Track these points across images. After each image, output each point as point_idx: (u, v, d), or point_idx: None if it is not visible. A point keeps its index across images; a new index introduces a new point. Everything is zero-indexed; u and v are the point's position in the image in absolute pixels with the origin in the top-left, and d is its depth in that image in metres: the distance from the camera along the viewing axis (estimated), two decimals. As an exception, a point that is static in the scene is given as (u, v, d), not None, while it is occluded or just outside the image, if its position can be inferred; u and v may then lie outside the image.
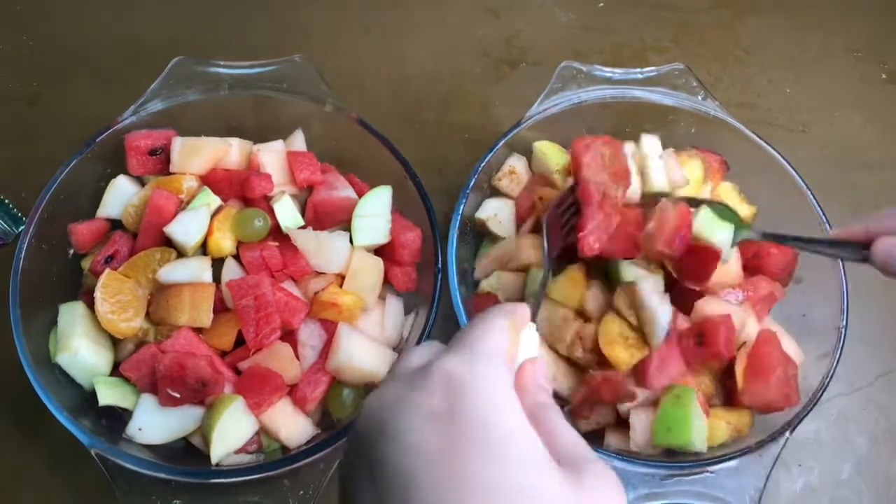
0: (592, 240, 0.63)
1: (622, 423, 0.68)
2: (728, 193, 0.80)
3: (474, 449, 0.32)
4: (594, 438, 0.69)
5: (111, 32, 0.97)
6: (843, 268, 0.73)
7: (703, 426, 0.65)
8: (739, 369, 0.68)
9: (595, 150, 0.64)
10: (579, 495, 0.33)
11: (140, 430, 0.64)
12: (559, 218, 0.66)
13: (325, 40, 0.99)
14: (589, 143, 0.65)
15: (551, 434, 0.36)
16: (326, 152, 0.78)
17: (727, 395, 0.70)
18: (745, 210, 0.79)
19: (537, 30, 1.02)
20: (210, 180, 0.73)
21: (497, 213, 0.77)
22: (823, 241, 0.60)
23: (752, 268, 0.74)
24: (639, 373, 0.66)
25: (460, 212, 0.73)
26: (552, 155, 0.78)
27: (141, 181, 0.75)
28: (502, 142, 0.76)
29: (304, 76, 0.78)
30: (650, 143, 0.77)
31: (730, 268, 0.72)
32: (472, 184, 0.74)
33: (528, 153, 0.81)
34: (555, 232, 0.66)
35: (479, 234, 0.79)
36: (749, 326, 0.70)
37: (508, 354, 0.39)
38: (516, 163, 0.79)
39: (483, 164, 0.75)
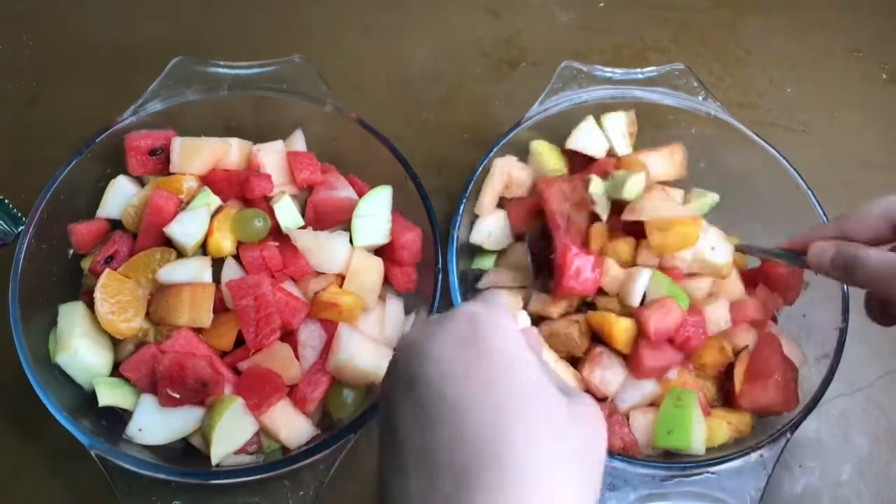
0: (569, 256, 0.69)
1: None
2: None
3: (496, 363, 0.39)
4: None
5: (111, 32, 0.97)
6: (844, 268, 0.72)
7: (703, 429, 0.65)
8: (738, 372, 0.68)
9: (556, 187, 0.72)
10: (573, 409, 0.40)
11: (140, 430, 0.64)
12: (537, 244, 0.74)
13: (325, 40, 0.99)
14: (551, 181, 0.73)
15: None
16: (326, 152, 0.78)
17: (727, 396, 0.70)
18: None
19: (537, 30, 1.02)
20: (210, 180, 0.73)
21: (491, 233, 0.76)
22: (777, 252, 0.65)
23: (754, 282, 0.75)
24: (634, 357, 0.67)
25: (461, 212, 0.73)
26: (548, 155, 0.78)
27: (141, 181, 0.75)
28: (502, 142, 0.76)
29: (304, 76, 0.78)
30: (614, 120, 0.80)
31: (729, 285, 0.72)
32: (472, 184, 0.74)
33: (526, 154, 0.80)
34: (537, 256, 0.74)
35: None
36: (743, 338, 0.70)
37: (513, 309, 0.48)
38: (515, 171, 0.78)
39: (483, 164, 0.75)
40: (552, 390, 0.40)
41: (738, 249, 0.71)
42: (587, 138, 0.79)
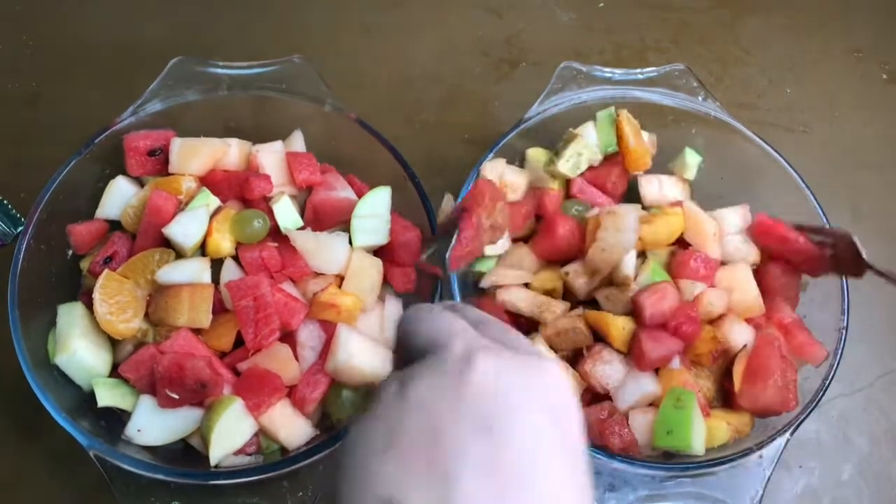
0: (458, 260, 0.66)
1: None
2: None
3: (569, 451, 0.35)
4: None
5: (111, 33, 0.97)
6: (844, 268, 0.72)
7: (702, 429, 0.65)
8: (738, 371, 0.68)
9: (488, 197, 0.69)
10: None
11: (139, 431, 0.64)
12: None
13: (325, 40, 0.98)
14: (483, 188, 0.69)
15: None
16: (326, 153, 0.78)
17: (727, 396, 0.70)
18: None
19: (538, 30, 1.02)
20: (209, 181, 0.73)
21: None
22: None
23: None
24: (635, 349, 0.67)
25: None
26: (546, 162, 0.78)
27: (140, 182, 0.75)
28: (503, 142, 0.76)
29: (304, 76, 0.78)
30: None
31: (747, 295, 0.72)
32: (471, 185, 0.74)
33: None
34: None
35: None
36: (738, 332, 0.70)
37: None
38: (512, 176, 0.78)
39: (483, 164, 0.75)
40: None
41: (868, 267, 0.68)
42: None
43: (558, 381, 0.36)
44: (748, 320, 0.71)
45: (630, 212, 0.70)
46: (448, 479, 0.31)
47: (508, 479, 0.31)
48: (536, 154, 0.79)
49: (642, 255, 0.74)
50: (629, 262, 0.70)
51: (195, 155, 0.73)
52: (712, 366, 0.70)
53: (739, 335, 0.70)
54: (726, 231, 0.76)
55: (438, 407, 0.33)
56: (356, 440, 0.34)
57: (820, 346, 0.69)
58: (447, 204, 0.71)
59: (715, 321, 0.71)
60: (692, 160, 0.80)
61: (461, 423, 0.32)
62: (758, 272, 0.75)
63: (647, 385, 0.67)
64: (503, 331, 0.40)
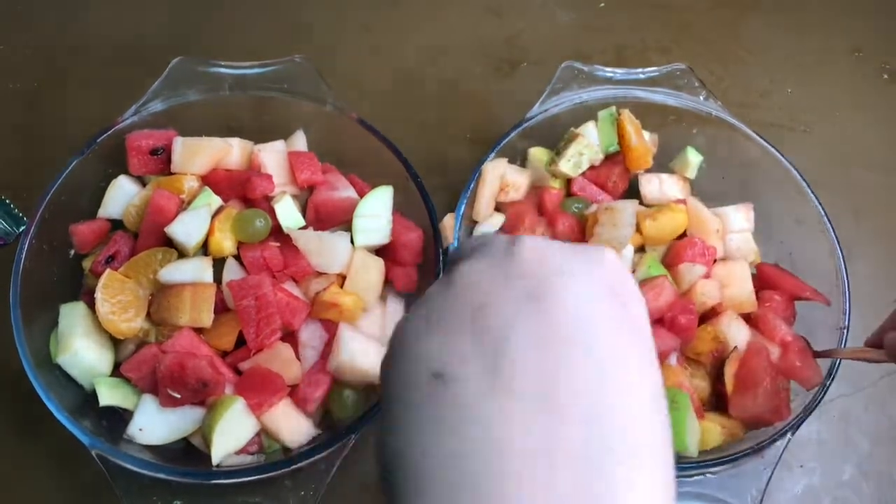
0: None
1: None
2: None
3: (629, 329, 0.32)
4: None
5: (112, 32, 0.97)
6: (845, 269, 0.72)
7: (697, 430, 0.65)
8: (729, 373, 0.68)
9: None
10: None
11: (141, 430, 0.64)
12: None
13: (326, 40, 0.99)
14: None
15: None
16: (327, 152, 0.78)
17: (720, 398, 0.70)
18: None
19: (538, 30, 1.02)
20: (211, 180, 0.73)
21: None
22: (859, 350, 0.64)
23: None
24: None
25: (461, 212, 0.73)
26: (547, 161, 0.78)
27: (142, 181, 0.75)
28: (504, 142, 0.76)
29: (305, 76, 0.78)
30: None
31: (742, 290, 0.73)
32: (472, 184, 0.74)
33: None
34: None
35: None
36: (735, 329, 0.70)
37: None
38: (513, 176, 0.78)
39: (484, 164, 0.75)
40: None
41: (818, 355, 0.70)
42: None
43: (619, 267, 0.34)
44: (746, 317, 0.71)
45: (626, 207, 0.70)
46: (497, 352, 0.29)
47: (561, 346, 0.29)
48: (538, 153, 0.79)
49: (642, 250, 0.74)
50: (626, 257, 0.71)
51: (197, 154, 0.73)
52: (708, 366, 0.70)
53: (738, 333, 0.70)
54: (729, 229, 0.76)
55: (485, 284, 0.32)
56: (404, 324, 0.33)
57: (816, 371, 0.68)
58: (448, 221, 0.71)
59: (712, 319, 0.71)
60: (694, 159, 0.81)
61: (508, 296, 0.31)
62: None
63: None
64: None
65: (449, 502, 0.27)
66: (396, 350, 0.32)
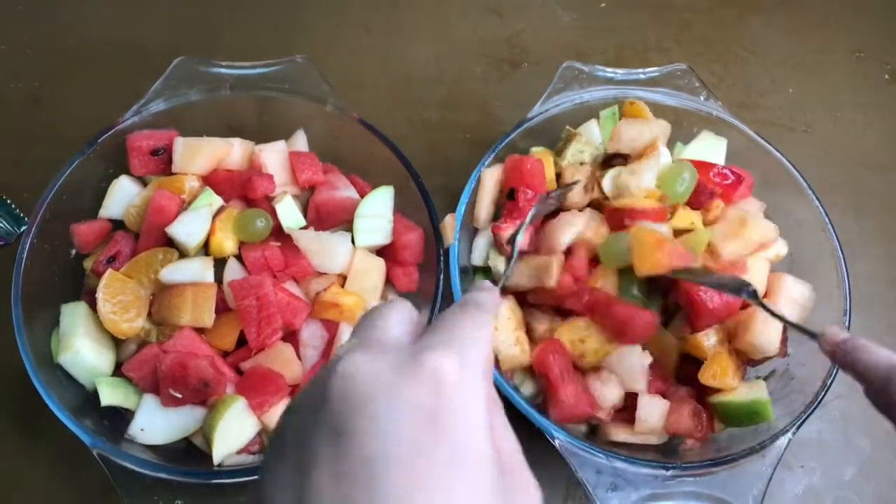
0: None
1: (623, 420, 0.68)
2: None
3: (448, 459, 0.33)
4: (588, 437, 0.69)
5: (113, 32, 0.97)
6: (846, 270, 0.72)
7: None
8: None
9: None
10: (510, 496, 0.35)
11: (142, 430, 0.64)
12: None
13: (327, 40, 0.99)
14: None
15: (496, 438, 0.37)
16: (328, 152, 0.78)
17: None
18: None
19: (539, 30, 1.02)
20: (212, 180, 0.73)
21: (493, 256, 0.75)
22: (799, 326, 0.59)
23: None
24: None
25: (462, 212, 0.73)
26: (546, 161, 0.78)
27: (143, 181, 0.75)
28: (505, 142, 0.76)
29: (306, 76, 0.78)
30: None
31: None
32: (473, 184, 0.74)
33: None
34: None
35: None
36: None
37: (488, 355, 0.40)
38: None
39: (485, 164, 0.75)
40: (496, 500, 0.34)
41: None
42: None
43: (439, 379, 0.35)
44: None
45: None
46: (303, 485, 0.33)
47: (351, 480, 0.32)
48: (539, 154, 0.79)
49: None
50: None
51: (198, 154, 0.73)
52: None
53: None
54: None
55: (306, 416, 0.35)
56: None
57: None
58: (448, 221, 0.71)
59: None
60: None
61: (319, 427, 0.34)
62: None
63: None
64: (450, 321, 0.40)
65: None
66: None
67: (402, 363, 0.35)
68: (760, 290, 0.71)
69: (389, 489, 0.31)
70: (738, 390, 0.68)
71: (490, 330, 0.42)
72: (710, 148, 0.80)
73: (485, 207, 0.75)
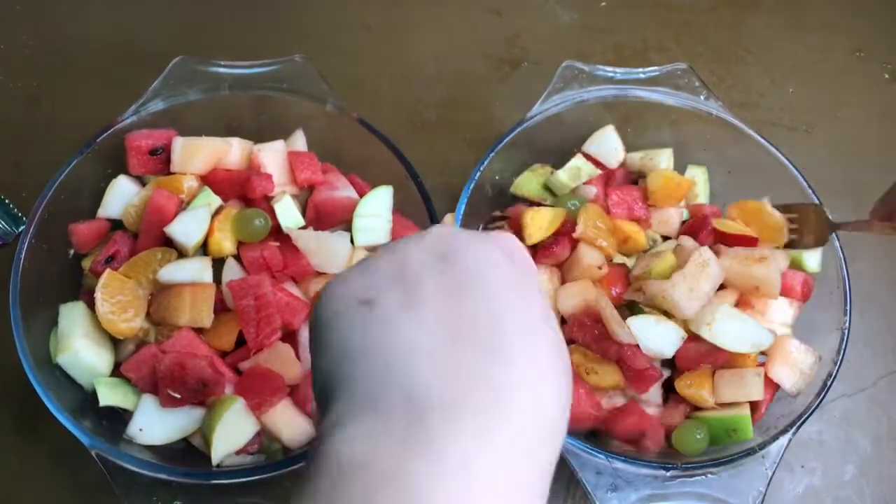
0: None
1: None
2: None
3: (534, 285, 0.40)
4: (588, 437, 0.69)
5: (112, 32, 0.97)
6: (846, 269, 0.72)
7: None
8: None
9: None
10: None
11: (140, 430, 0.64)
12: None
13: (326, 40, 0.98)
14: None
15: None
16: (327, 152, 0.78)
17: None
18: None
19: (539, 29, 1.02)
20: (211, 180, 0.73)
21: None
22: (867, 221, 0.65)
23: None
24: None
25: (461, 212, 0.72)
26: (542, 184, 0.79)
27: (141, 181, 0.75)
28: (504, 141, 0.76)
29: (305, 76, 0.78)
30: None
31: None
32: (472, 185, 0.74)
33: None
34: None
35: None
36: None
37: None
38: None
39: (484, 164, 0.75)
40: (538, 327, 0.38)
41: (837, 228, 0.70)
42: (604, 146, 0.80)
43: (517, 245, 0.42)
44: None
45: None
46: (410, 288, 0.37)
47: (459, 289, 0.36)
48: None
49: None
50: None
51: (197, 154, 0.73)
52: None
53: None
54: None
55: (404, 248, 0.39)
56: (334, 278, 0.40)
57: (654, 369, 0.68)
58: (448, 221, 0.71)
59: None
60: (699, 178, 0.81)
61: (422, 257, 0.38)
62: None
63: None
64: None
65: (372, 383, 0.34)
66: (328, 292, 0.39)
67: (482, 233, 0.42)
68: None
69: (492, 289, 0.37)
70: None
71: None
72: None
73: None
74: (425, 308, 0.36)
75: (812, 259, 0.75)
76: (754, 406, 0.68)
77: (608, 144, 0.80)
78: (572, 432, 0.64)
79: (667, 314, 0.68)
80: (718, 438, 0.67)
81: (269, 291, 0.65)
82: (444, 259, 0.38)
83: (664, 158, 0.81)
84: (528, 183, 0.79)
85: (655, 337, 0.67)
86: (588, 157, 0.80)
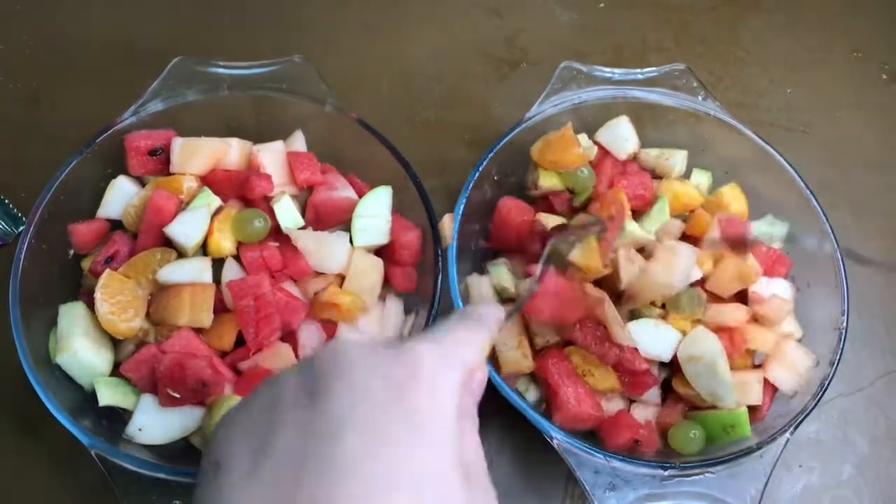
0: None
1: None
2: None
3: (413, 427, 0.35)
4: (586, 436, 0.69)
5: (111, 32, 0.97)
6: (844, 269, 0.73)
7: None
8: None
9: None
10: (471, 494, 0.36)
11: (140, 430, 0.64)
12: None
13: (325, 40, 0.99)
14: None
15: (464, 442, 0.39)
16: (326, 153, 0.78)
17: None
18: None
19: (538, 30, 1.02)
20: (210, 181, 0.73)
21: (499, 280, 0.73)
22: None
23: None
24: None
25: (460, 212, 0.73)
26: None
27: (141, 181, 0.75)
28: (503, 142, 0.76)
29: (304, 76, 0.78)
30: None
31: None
32: (471, 185, 0.74)
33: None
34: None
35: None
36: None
37: (476, 365, 0.42)
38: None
39: (483, 164, 0.75)
40: (456, 473, 0.35)
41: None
42: (615, 135, 0.80)
43: (418, 363, 0.37)
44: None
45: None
46: (263, 445, 0.34)
47: (317, 436, 0.33)
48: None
49: None
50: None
51: (196, 154, 0.73)
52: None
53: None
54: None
55: (280, 384, 0.37)
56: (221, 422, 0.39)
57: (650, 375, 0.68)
58: (447, 221, 0.71)
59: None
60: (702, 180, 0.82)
61: (293, 391, 0.36)
62: None
63: None
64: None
65: None
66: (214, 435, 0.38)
67: (389, 347, 0.38)
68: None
69: (351, 444, 0.33)
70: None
71: (483, 341, 0.43)
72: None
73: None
74: (265, 481, 0.33)
75: (778, 229, 0.78)
76: (755, 407, 0.69)
77: (620, 133, 0.80)
78: (572, 432, 0.64)
79: (664, 318, 0.69)
80: (716, 436, 0.67)
81: (269, 292, 0.65)
82: (312, 398, 0.35)
83: (679, 160, 0.80)
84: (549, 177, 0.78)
85: (654, 341, 0.68)
86: (599, 145, 0.80)
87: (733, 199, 0.78)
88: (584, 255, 0.68)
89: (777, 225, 0.78)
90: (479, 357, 0.42)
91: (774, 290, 0.73)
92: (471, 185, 0.74)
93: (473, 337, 0.42)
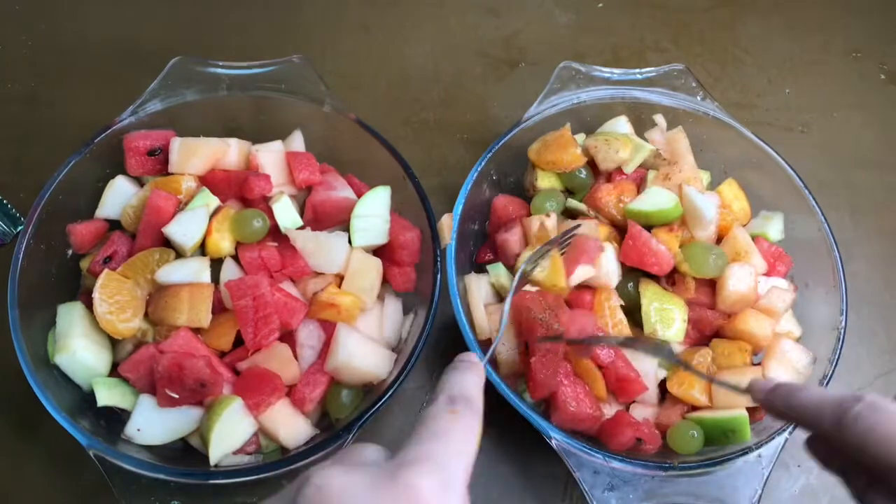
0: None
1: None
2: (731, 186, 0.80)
3: None
4: (586, 439, 0.69)
5: (110, 32, 0.97)
6: (842, 269, 0.73)
7: None
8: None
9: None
10: None
11: (138, 430, 0.64)
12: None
13: (324, 41, 0.99)
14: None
15: None
16: (325, 153, 0.78)
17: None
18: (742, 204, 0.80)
19: (537, 30, 1.02)
20: (209, 181, 0.73)
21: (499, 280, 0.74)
22: (720, 381, 0.58)
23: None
24: None
25: (459, 212, 0.73)
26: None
27: (140, 182, 0.75)
28: (502, 142, 0.76)
29: (303, 76, 0.78)
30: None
31: None
32: (470, 185, 0.74)
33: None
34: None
35: (480, 237, 0.79)
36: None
37: (471, 463, 0.40)
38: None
39: (482, 164, 0.75)
40: None
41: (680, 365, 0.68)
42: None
43: (418, 499, 0.35)
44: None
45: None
46: None
47: None
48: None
49: None
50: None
51: (195, 155, 0.73)
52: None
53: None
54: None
55: None
56: None
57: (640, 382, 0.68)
58: (445, 221, 0.71)
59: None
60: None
61: None
62: None
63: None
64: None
65: None
66: None
67: (380, 480, 0.35)
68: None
69: None
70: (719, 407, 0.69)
71: (477, 436, 0.42)
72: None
73: (481, 315, 0.72)
74: None
75: (774, 229, 0.78)
76: (753, 408, 0.69)
77: (618, 131, 0.80)
78: (571, 432, 0.64)
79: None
80: (716, 440, 0.67)
81: (267, 291, 0.65)
82: None
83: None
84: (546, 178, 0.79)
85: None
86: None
87: (733, 196, 0.78)
88: (549, 274, 0.69)
89: (775, 223, 0.78)
90: (475, 447, 0.40)
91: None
92: (469, 185, 0.74)
93: (467, 440, 0.40)
